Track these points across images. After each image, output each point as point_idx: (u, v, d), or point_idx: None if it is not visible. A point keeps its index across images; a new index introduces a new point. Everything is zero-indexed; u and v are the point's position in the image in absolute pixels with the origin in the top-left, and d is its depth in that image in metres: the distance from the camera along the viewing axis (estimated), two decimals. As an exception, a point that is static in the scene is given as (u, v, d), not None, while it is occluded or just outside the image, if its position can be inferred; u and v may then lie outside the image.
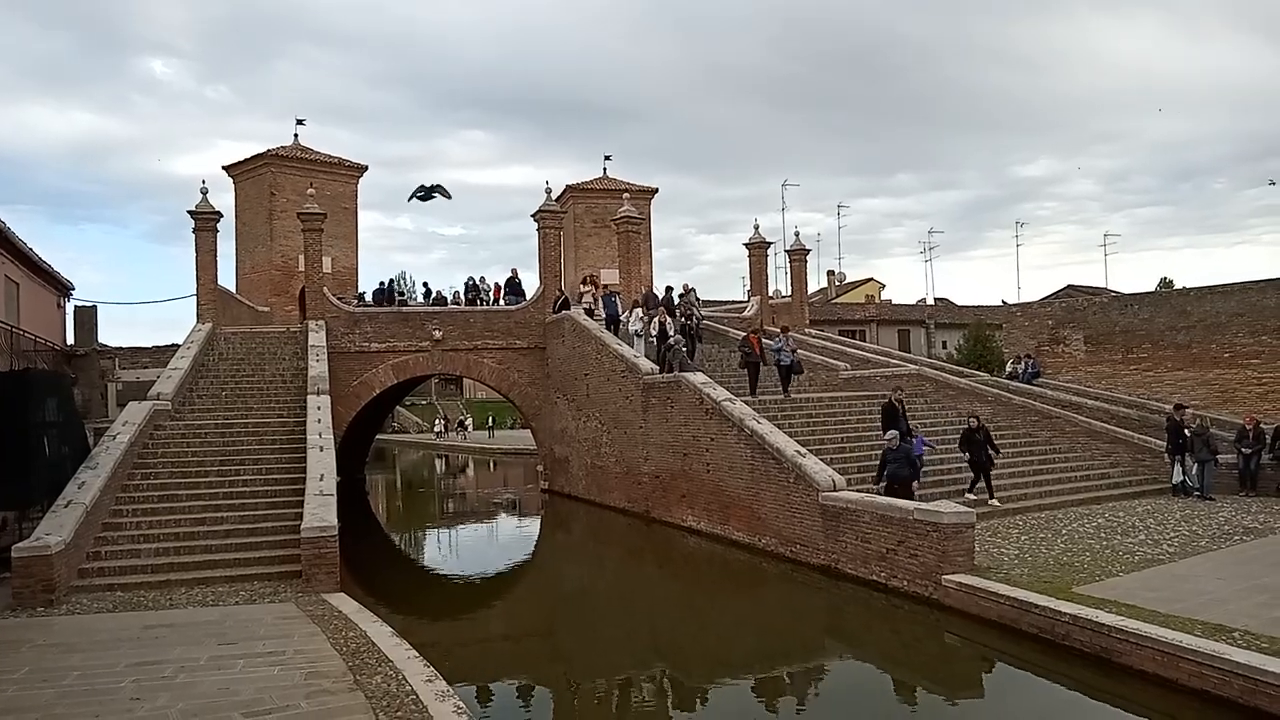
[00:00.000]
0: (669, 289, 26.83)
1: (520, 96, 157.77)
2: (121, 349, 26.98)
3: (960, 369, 28.34)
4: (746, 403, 18.21)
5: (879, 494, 14.55)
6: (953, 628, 11.28)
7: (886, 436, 15.81)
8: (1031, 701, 9.43)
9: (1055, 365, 29.35)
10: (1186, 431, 18.09)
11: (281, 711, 7.37)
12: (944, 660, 10.93)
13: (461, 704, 7.44)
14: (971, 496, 16.27)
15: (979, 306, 49.69)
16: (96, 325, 27.18)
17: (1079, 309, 30.38)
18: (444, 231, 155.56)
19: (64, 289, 26.23)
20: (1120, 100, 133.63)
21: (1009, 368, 28.64)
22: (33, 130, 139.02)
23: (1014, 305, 36.27)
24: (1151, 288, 53.58)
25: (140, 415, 16.64)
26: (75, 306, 27.29)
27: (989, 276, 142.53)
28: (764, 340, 21.30)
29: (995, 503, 16.25)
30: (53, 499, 13.29)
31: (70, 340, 26.74)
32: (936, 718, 9.23)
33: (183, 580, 12.63)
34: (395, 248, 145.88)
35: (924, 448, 16.91)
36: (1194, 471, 17.97)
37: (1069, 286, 50.33)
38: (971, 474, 16.77)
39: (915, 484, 15.15)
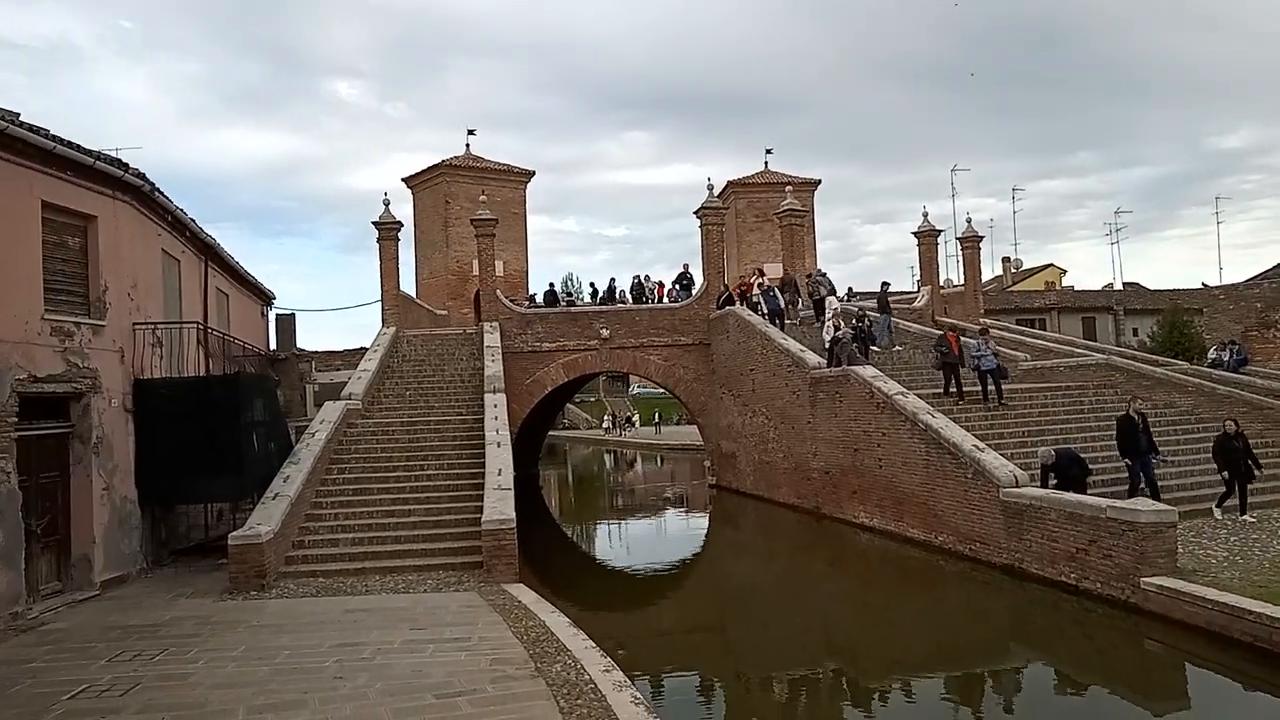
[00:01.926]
0: (885, 285, 27.88)
1: (677, 94, 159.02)
2: (317, 353, 28.90)
3: (1154, 357, 26.40)
4: (932, 403, 17.48)
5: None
6: (1153, 634, 10.55)
7: (1040, 453, 14.84)
8: (1245, 714, 8.69)
9: (1266, 352, 26.90)
10: None
11: (470, 694, 7.73)
12: (1144, 668, 10.25)
13: (639, 694, 7.59)
14: (1219, 514, 14.41)
15: (1174, 290, 46.06)
16: (295, 331, 29.26)
17: (1293, 289, 27.72)
18: (608, 232, 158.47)
19: (266, 298, 28.39)
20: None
21: (1212, 355, 26.37)
22: (233, 152, 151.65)
23: (1216, 288, 33.48)
24: (1380, 264, 48.17)
25: (335, 414, 17.83)
26: (276, 314, 29.53)
27: (1184, 258, 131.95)
28: (963, 339, 20.01)
29: (1251, 519, 14.21)
30: (261, 491, 14.47)
31: (273, 345, 28.93)
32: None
33: (376, 568, 13.46)
34: (562, 250, 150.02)
35: (1155, 459, 15.16)
36: None
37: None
38: (1225, 487, 14.60)
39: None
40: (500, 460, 15.44)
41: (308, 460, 15.30)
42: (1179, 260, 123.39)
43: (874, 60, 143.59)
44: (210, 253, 19.47)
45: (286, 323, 28.55)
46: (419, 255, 37.86)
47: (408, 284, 36.31)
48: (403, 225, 27.66)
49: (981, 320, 28.40)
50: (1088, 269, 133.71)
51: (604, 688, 7.76)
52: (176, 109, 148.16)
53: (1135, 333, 44.01)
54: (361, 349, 26.24)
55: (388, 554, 13.92)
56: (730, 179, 38.73)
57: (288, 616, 11.02)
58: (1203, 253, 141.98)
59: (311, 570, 13.44)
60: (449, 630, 10.03)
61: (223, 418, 14.77)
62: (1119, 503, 11.75)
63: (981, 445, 14.86)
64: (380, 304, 27.33)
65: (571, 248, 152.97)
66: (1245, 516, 14.25)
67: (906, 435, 16.55)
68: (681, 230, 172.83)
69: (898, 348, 24.48)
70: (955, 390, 19.12)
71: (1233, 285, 33.20)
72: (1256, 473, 14.59)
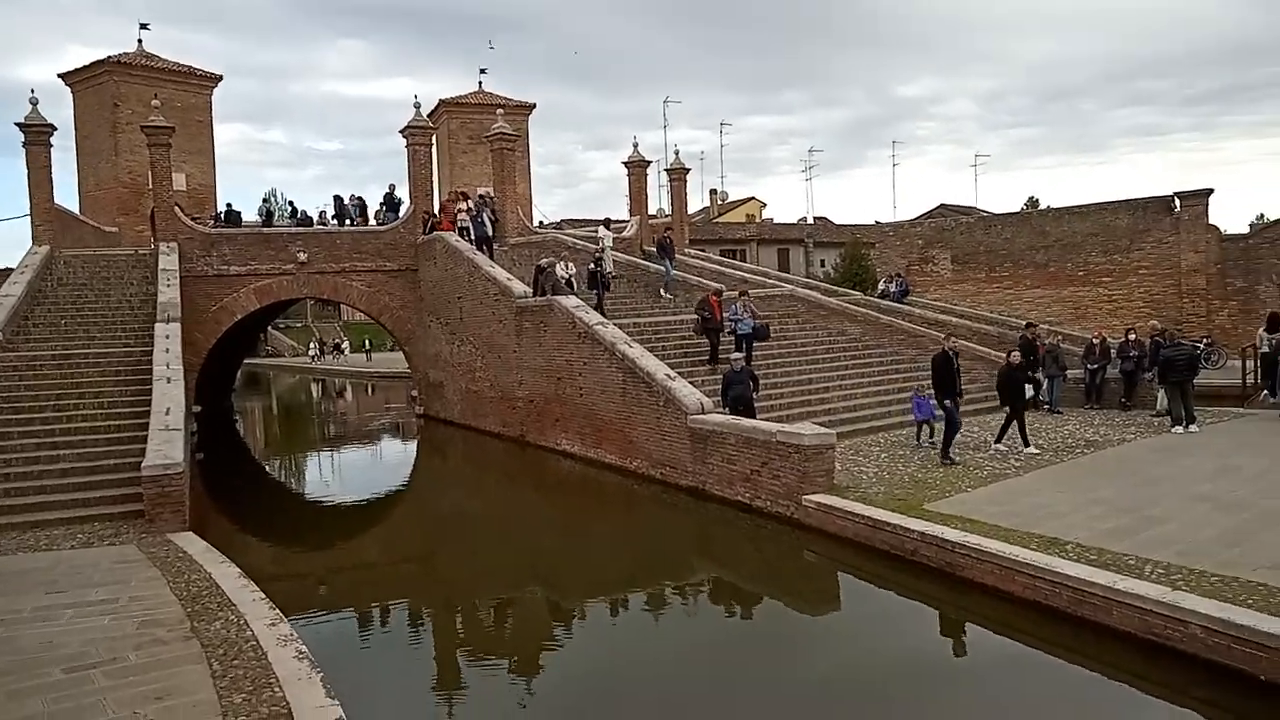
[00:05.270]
0: (668, 230, 26.91)
1: (401, 4, 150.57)
2: (-53, 274, 24.82)
3: (833, 288, 28.85)
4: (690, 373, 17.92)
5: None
6: (813, 546, 11.55)
7: (733, 358, 15.85)
8: (879, 612, 9.76)
9: (924, 284, 30.25)
10: (1039, 347, 18.90)
11: (107, 665, 6.96)
12: (804, 577, 11.24)
13: (304, 648, 7.14)
14: (1002, 447, 14.37)
15: (856, 225, 50.62)
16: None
17: (947, 229, 31.26)
18: (321, 146, 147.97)
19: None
20: (998, 20, 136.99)
21: (881, 286, 29.34)
22: None
23: (887, 225, 37.02)
24: (1020, 207, 55.72)
25: (-37, 347, 15.37)
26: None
27: (871, 194, 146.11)
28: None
29: (1007, 448, 14.32)
30: None
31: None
32: (795, 630, 9.48)
33: (13, 524, 11.80)
34: (268, 163, 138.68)
35: (933, 412, 15.04)
36: (1045, 387, 18.82)
37: (941, 206, 51.73)
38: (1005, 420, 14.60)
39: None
40: (170, 398, 14.03)
41: (-77, 403, 13.08)
42: (867, 196, 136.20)
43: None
44: None
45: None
46: (83, 164, 33.22)
47: (70, 197, 31.98)
48: (56, 129, 24.03)
49: (687, 251, 29.56)
50: (788, 202, 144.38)
51: (266, 644, 7.25)
52: None
53: (823, 264, 47.96)
54: (6, 271, 22.87)
55: (28, 507, 12.26)
56: (443, 97, 37.27)
57: (-117, 588, 9.39)
58: (887, 191, 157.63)
59: (-74, 531, 11.56)
60: (94, 592, 8.99)
61: None
62: (787, 427, 12.69)
63: (673, 374, 15.48)
64: (30, 219, 23.79)
65: (279, 160, 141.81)
66: (1000, 445, 14.45)
67: (606, 364, 16.90)
68: (402, 147, 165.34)
69: (669, 295, 23.75)
70: (713, 356, 18.36)
71: (900, 223, 36.90)
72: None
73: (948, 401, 14.00)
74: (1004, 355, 20.25)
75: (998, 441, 14.60)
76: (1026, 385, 15.12)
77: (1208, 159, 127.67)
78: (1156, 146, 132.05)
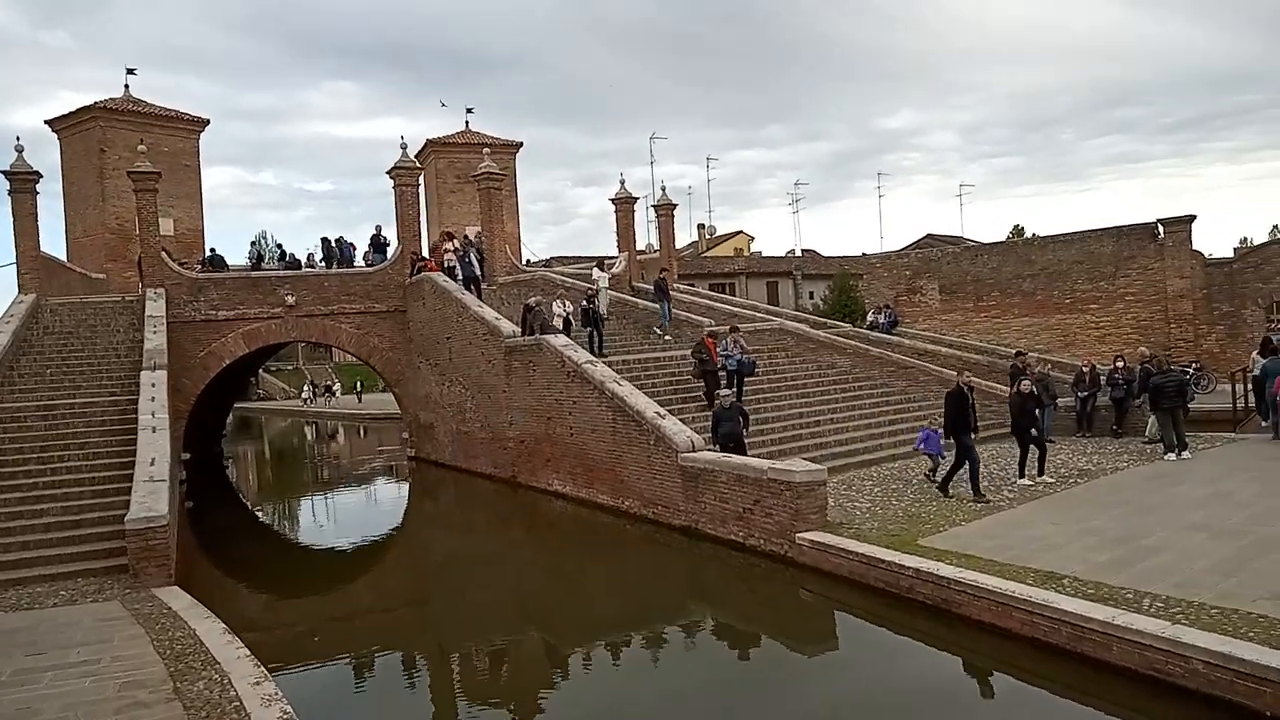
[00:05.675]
0: (664, 271, 26.49)
1: (390, 45, 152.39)
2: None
3: (822, 320, 28.90)
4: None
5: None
6: (807, 584, 11.40)
7: (721, 394, 15.78)
8: (878, 651, 9.60)
9: (913, 314, 30.30)
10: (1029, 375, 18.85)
11: (86, 731, 6.79)
12: (799, 616, 11.10)
13: (289, 709, 6.98)
14: (1025, 481, 14.10)
15: (843, 257, 50.83)
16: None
17: (934, 259, 31.36)
18: (312, 187, 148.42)
19: None
20: (971, 53, 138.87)
21: (870, 317, 29.40)
22: None
23: (874, 256, 37.19)
24: (1006, 235, 56.13)
25: (-55, 401, 15.20)
26: None
27: (859, 225, 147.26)
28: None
29: (1050, 479, 14.18)
30: None
31: None
32: (791, 671, 9.29)
33: (-5, 582, 11.61)
34: (260, 205, 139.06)
35: (942, 450, 14.66)
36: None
37: (928, 236, 51.94)
38: (1022, 451, 14.29)
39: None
40: (155, 448, 13.88)
41: (-96, 459, 12.90)
42: (853, 228, 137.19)
43: (593, 26, 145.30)
44: None
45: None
46: (70, 211, 33.11)
47: (58, 243, 31.95)
48: (41, 176, 24.06)
49: (676, 286, 29.55)
50: (776, 235, 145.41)
51: (250, 705, 7.08)
52: None
53: (811, 296, 48.12)
54: (-8, 320, 22.71)
55: (11, 564, 12.03)
56: (430, 137, 37.44)
57: None
58: (873, 222, 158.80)
59: (-94, 591, 11.34)
60: (76, 652, 8.79)
61: None
62: (778, 464, 12.59)
63: (663, 412, 15.37)
64: (15, 267, 23.72)
65: (271, 203, 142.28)
66: (1043, 477, 14.21)
67: (595, 403, 16.81)
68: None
69: (667, 336, 23.58)
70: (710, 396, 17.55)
71: (887, 254, 37.04)
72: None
73: (964, 438, 13.35)
74: (992, 384, 20.36)
75: (1040, 474, 14.25)
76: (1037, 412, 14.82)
77: (1188, 185, 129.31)
78: (1137, 174, 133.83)
